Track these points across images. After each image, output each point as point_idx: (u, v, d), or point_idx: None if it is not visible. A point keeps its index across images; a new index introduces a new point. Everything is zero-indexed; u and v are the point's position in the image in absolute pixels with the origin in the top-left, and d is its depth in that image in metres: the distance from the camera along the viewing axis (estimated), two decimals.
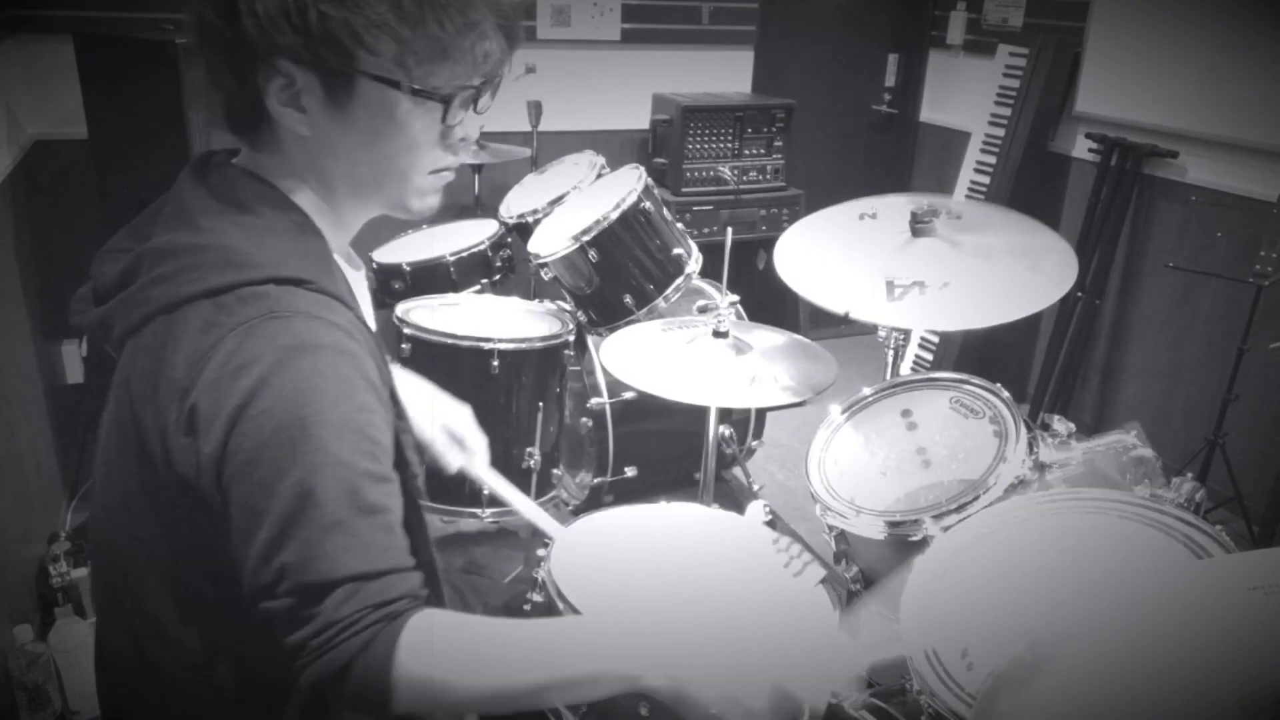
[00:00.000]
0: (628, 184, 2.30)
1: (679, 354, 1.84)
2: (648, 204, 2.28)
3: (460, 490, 2.19)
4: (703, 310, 2.40)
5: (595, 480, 2.51)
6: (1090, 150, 3.70)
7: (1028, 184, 3.85)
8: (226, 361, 0.85)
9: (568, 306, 2.43)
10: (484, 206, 3.39)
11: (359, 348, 0.91)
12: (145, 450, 0.91)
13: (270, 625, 0.84)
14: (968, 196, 4.01)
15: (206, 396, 0.85)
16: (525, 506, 1.54)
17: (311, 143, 0.95)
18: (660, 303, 2.31)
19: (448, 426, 1.48)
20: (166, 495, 0.92)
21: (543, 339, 2.23)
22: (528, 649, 0.89)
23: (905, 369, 3.68)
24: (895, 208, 1.88)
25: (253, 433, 0.84)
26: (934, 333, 4.05)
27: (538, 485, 2.28)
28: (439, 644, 0.85)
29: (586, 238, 2.23)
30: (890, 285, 1.65)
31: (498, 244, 2.72)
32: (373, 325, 1.17)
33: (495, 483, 1.52)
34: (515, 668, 0.87)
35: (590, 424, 2.48)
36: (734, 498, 2.84)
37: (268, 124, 0.95)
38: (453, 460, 1.47)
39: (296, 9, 0.87)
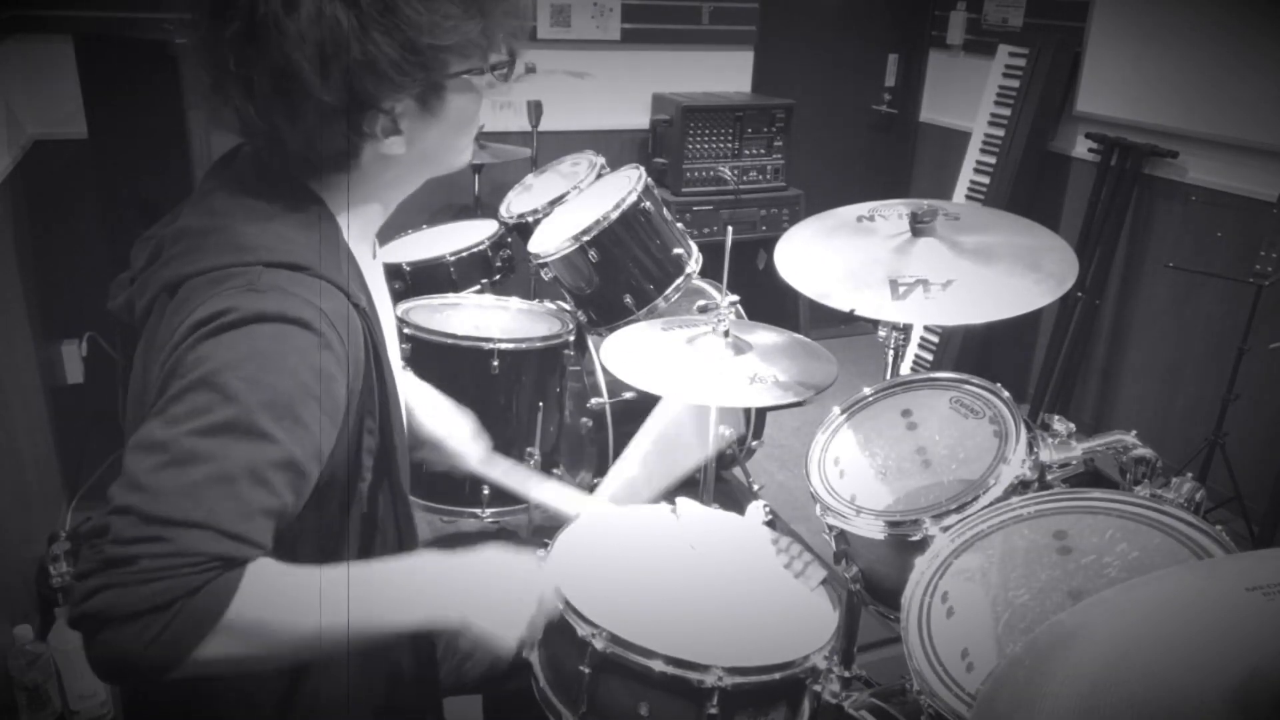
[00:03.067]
0: (628, 184, 2.30)
1: (679, 354, 1.84)
2: (648, 204, 2.28)
3: (460, 490, 2.19)
4: (703, 310, 2.40)
5: (595, 480, 2.51)
6: (1090, 150, 3.70)
7: (1028, 184, 3.85)
8: (200, 315, 0.87)
9: (568, 306, 2.43)
10: (484, 206, 3.38)
11: (333, 335, 0.91)
12: None
13: (93, 537, 0.81)
14: (968, 197, 4.01)
15: (165, 342, 0.89)
16: (547, 495, 1.54)
17: (399, 157, 0.99)
18: (660, 303, 2.31)
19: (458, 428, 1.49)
20: None
21: (543, 339, 2.23)
22: (343, 594, 0.91)
23: (905, 369, 3.68)
24: (892, 210, 1.89)
25: (189, 375, 0.85)
26: (934, 333, 4.05)
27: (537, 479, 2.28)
28: (269, 589, 0.86)
29: (586, 238, 2.22)
30: (894, 284, 1.65)
31: (498, 244, 2.72)
32: (389, 315, 1.18)
33: (510, 479, 1.51)
34: (332, 611, 0.89)
35: (590, 424, 2.48)
36: (734, 498, 2.84)
37: (358, 159, 0.99)
38: (471, 454, 1.47)
39: (412, 50, 0.91)
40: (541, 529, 2.23)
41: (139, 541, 0.79)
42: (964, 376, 1.63)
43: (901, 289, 1.64)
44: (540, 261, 2.31)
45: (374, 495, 1.07)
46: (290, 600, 0.88)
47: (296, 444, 0.87)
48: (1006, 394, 1.55)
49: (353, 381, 0.95)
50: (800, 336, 1.96)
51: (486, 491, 2.20)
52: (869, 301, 1.63)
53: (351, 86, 0.89)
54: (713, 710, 1.19)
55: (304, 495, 0.91)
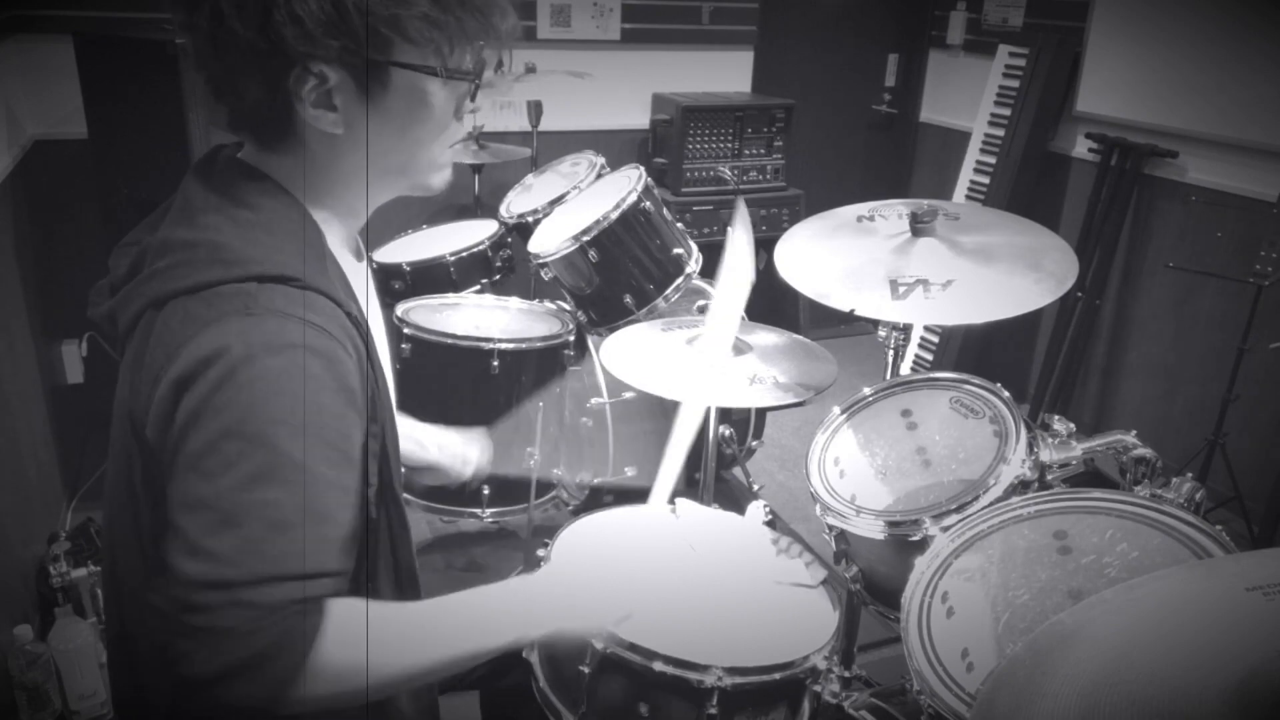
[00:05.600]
0: (628, 184, 2.30)
1: (679, 354, 1.84)
2: (648, 204, 2.28)
3: (460, 490, 2.19)
4: (703, 310, 2.40)
5: (595, 480, 2.51)
6: (1090, 150, 3.70)
7: (1028, 184, 3.85)
8: (196, 353, 0.86)
9: (568, 306, 2.43)
10: (484, 206, 3.39)
11: (338, 348, 0.91)
12: (139, 440, 0.93)
13: (167, 608, 0.83)
14: (968, 197, 4.01)
15: (175, 387, 0.86)
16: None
17: (342, 139, 0.96)
18: (660, 303, 2.31)
19: (444, 448, 1.48)
20: (153, 487, 0.93)
21: (543, 339, 2.23)
22: (434, 632, 0.97)
23: (905, 369, 3.68)
24: (892, 210, 1.89)
25: (211, 425, 0.84)
26: (934, 332, 4.05)
27: (538, 485, 2.28)
28: (357, 629, 0.88)
29: (586, 238, 2.22)
30: (894, 284, 1.65)
31: (498, 244, 2.72)
32: (376, 318, 1.17)
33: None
34: (425, 648, 0.95)
35: (590, 424, 2.48)
36: (734, 498, 2.84)
37: (291, 127, 0.95)
38: (472, 456, 1.48)
39: (339, 13, 0.88)
40: (541, 529, 2.23)
41: (213, 610, 0.82)
42: (964, 376, 1.63)
43: (901, 289, 1.64)
44: (540, 261, 2.31)
45: (375, 500, 1.06)
46: (381, 637, 0.90)
47: (334, 466, 0.88)
48: (1006, 394, 1.55)
49: (358, 390, 0.94)
50: (800, 337, 1.96)
51: (487, 491, 2.20)
52: (869, 301, 1.63)
53: (274, 30, 0.87)
54: (712, 710, 1.19)
55: (356, 505, 0.92)
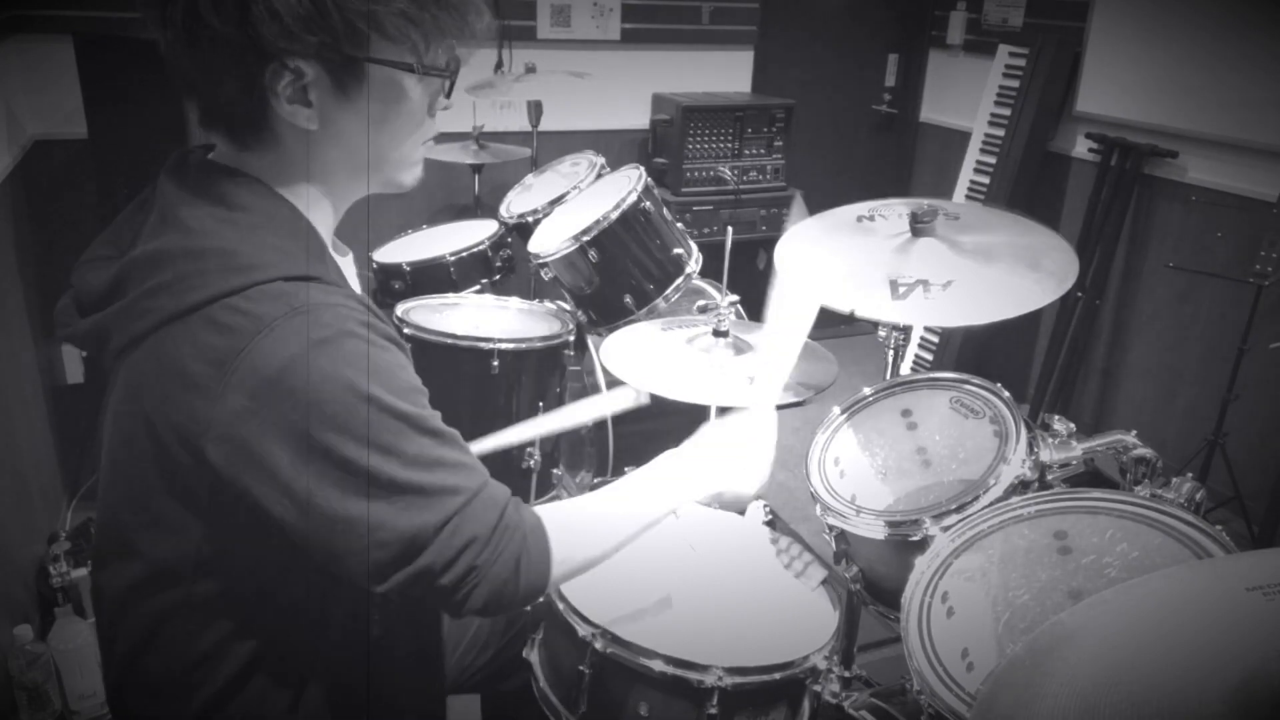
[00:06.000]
0: (628, 184, 2.30)
1: (679, 354, 1.84)
2: (648, 204, 2.28)
3: None
4: (703, 310, 2.40)
5: (595, 480, 2.51)
6: (1090, 150, 3.70)
7: (1028, 184, 3.85)
8: (263, 367, 0.85)
9: (568, 306, 2.43)
10: (484, 206, 3.38)
11: (383, 329, 0.94)
12: (167, 453, 0.91)
13: (414, 581, 0.91)
14: (968, 196, 4.01)
15: (247, 402, 0.85)
16: (574, 413, 1.66)
17: (317, 135, 0.95)
18: (660, 303, 2.31)
19: None
20: (198, 492, 0.93)
21: (543, 339, 2.23)
22: (624, 508, 1.12)
23: (905, 369, 3.68)
24: (892, 210, 1.88)
25: (321, 427, 0.85)
26: (934, 332, 4.05)
27: (538, 485, 2.28)
28: (571, 530, 1.04)
29: (586, 238, 2.22)
30: (894, 284, 1.64)
31: (498, 244, 2.71)
32: None
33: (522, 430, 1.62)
34: (622, 525, 1.10)
35: (590, 424, 2.48)
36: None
37: (267, 122, 0.94)
38: None
39: (318, 8, 0.87)
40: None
41: (463, 534, 0.92)
42: (964, 376, 1.63)
43: (901, 289, 1.64)
44: (540, 261, 2.31)
45: None
46: (592, 530, 1.08)
47: (427, 409, 0.96)
48: (1006, 394, 1.55)
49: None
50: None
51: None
52: (869, 302, 1.63)
53: (251, 26, 0.86)
54: (712, 710, 1.19)
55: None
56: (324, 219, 1.03)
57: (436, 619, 1.21)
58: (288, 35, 0.87)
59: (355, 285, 1.13)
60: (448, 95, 1.01)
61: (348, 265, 1.10)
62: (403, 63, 0.93)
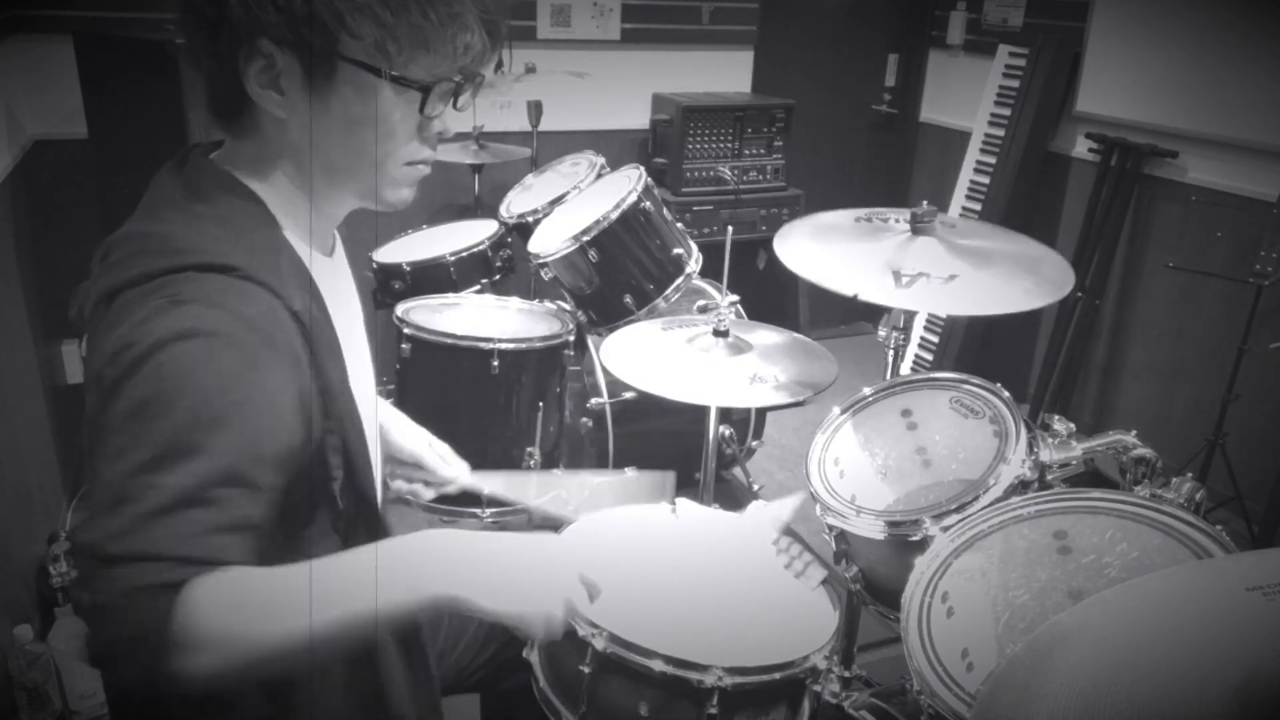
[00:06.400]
0: (628, 184, 2.30)
1: (679, 354, 1.84)
2: (648, 204, 2.28)
3: (460, 491, 2.19)
4: (703, 310, 2.40)
5: (595, 480, 2.51)
6: (1090, 150, 3.70)
7: (1027, 184, 3.85)
8: (119, 340, 0.87)
9: (568, 306, 2.43)
10: (484, 206, 3.38)
11: (261, 340, 0.90)
12: None
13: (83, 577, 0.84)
14: (968, 197, 4.01)
15: (98, 372, 0.88)
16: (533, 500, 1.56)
17: (289, 127, 0.97)
18: (660, 303, 2.31)
19: (433, 444, 1.48)
20: None
21: (543, 339, 2.23)
22: (318, 590, 0.86)
23: (905, 369, 3.68)
24: (891, 216, 1.89)
25: (117, 407, 0.85)
26: (934, 333, 4.05)
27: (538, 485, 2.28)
28: (239, 596, 0.84)
29: (586, 238, 2.23)
30: (897, 275, 1.64)
31: (498, 244, 2.72)
32: (355, 315, 1.17)
33: (495, 484, 1.53)
34: (304, 611, 0.86)
35: (590, 424, 2.48)
36: (734, 498, 2.84)
37: (248, 109, 0.97)
38: (445, 473, 1.47)
39: None
40: (541, 529, 2.22)
41: (96, 579, 0.81)
42: (964, 376, 1.63)
43: (905, 279, 1.64)
44: (540, 261, 2.31)
45: (322, 504, 1.04)
46: (267, 603, 0.86)
47: (234, 454, 0.86)
48: (1006, 394, 1.55)
49: (296, 385, 0.93)
50: (800, 336, 1.96)
51: (487, 491, 2.19)
52: (871, 288, 1.62)
53: (224, 3, 0.90)
54: (713, 710, 1.19)
55: (266, 500, 0.90)
56: (297, 215, 1.03)
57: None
58: (249, 12, 0.90)
59: (347, 288, 1.13)
60: (422, 110, 0.97)
61: (334, 267, 1.10)
62: (370, 65, 0.93)
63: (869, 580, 1.55)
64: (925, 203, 1.80)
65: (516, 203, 2.77)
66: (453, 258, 2.62)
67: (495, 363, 2.15)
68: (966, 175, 4.04)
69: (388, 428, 1.42)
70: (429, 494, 1.51)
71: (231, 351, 0.87)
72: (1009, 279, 1.65)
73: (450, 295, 2.52)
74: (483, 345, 2.15)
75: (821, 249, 1.79)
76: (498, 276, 2.73)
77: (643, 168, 2.36)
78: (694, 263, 2.36)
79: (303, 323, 0.95)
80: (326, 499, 1.03)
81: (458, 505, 2.21)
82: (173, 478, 0.83)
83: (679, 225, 2.43)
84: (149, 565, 0.82)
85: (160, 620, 0.81)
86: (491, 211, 2.87)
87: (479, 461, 1.55)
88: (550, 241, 2.31)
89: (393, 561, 0.91)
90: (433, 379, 2.22)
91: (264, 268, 0.94)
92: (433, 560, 0.93)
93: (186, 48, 0.96)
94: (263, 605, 0.85)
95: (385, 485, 1.35)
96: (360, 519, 1.08)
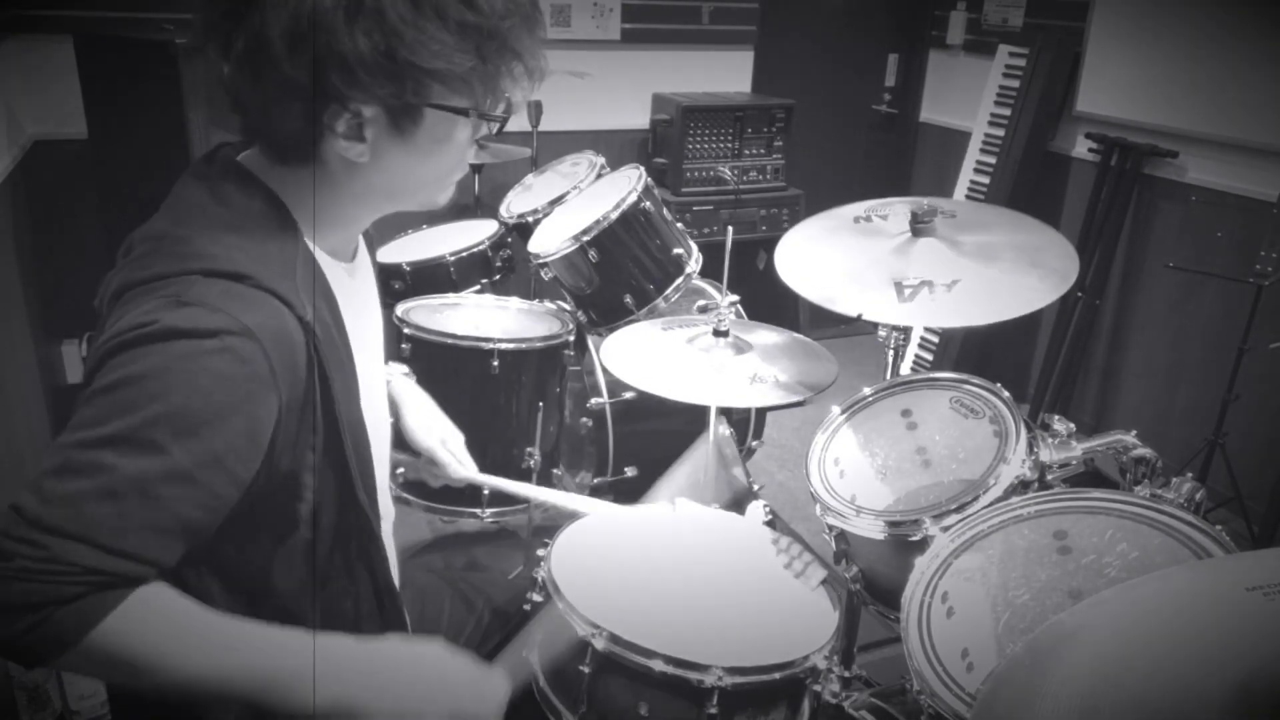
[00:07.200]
0: (628, 184, 2.30)
1: (679, 354, 1.84)
2: (648, 204, 2.28)
3: (460, 490, 2.19)
4: (703, 310, 2.40)
5: (595, 480, 2.51)
6: (1090, 150, 3.70)
7: (1028, 184, 3.85)
8: (122, 325, 0.88)
9: (568, 306, 2.43)
10: (484, 206, 3.39)
11: (257, 350, 0.89)
12: None
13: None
14: (968, 196, 4.01)
15: (96, 350, 0.89)
16: (550, 496, 1.58)
17: (365, 165, 0.98)
18: (660, 303, 2.31)
19: (447, 442, 1.49)
20: None
21: (543, 339, 2.23)
22: (222, 645, 0.90)
23: (905, 369, 3.68)
24: (891, 209, 1.89)
25: (100, 380, 0.86)
26: (934, 332, 4.05)
27: (538, 485, 2.28)
28: (149, 620, 0.86)
29: (586, 238, 2.22)
30: (899, 286, 1.64)
31: (498, 244, 2.71)
32: (374, 325, 1.17)
33: (503, 484, 1.53)
34: (207, 660, 0.89)
35: (590, 424, 2.47)
36: (734, 498, 2.83)
37: (318, 152, 0.97)
38: (455, 471, 1.48)
39: (390, 60, 0.89)
40: (542, 529, 2.23)
41: (20, 542, 0.81)
42: (964, 376, 1.63)
43: (907, 291, 1.64)
44: (540, 261, 2.31)
45: (322, 517, 1.04)
46: (172, 638, 0.88)
47: (193, 459, 0.86)
48: (1006, 394, 1.55)
49: (287, 398, 0.92)
50: (800, 336, 1.96)
51: (486, 492, 2.19)
52: (875, 305, 1.63)
53: (319, 72, 0.88)
54: (713, 710, 1.19)
55: (213, 509, 0.90)
56: (339, 229, 1.06)
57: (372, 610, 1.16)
58: (356, 84, 0.90)
59: (358, 291, 1.13)
60: (497, 134, 1.04)
61: (355, 271, 1.10)
62: (462, 109, 0.97)
63: (869, 580, 1.55)
64: (926, 202, 1.79)
65: (516, 203, 2.77)
66: (453, 258, 2.62)
67: (495, 363, 2.15)
68: (966, 175, 4.04)
69: (409, 412, 1.43)
70: (435, 485, 1.53)
71: (221, 358, 0.87)
72: (1013, 275, 1.65)
73: (450, 295, 2.52)
74: (483, 345, 2.15)
75: (822, 262, 1.79)
76: (498, 276, 2.73)
77: (643, 168, 2.36)
78: (694, 263, 2.36)
79: (312, 331, 0.95)
80: (298, 520, 1.02)
81: (457, 505, 2.22)
82: (124, 463, 0.83)
83: (679, 225, 2.43)
84: (84, 547, 0.82)
85: (87, 616, 0.83)
86: (491, 211, 2.87)
87: (479, 462, 1.55)
88: (550, 241, 2.31)
89: (301, 653, 0.92)
90: (432, 379, 2.21)
91: (276, 275, 0.93)
92: (338, 667, 0.93)
93: (261, 106, 0.94)
94: (172, 640, 0.88)
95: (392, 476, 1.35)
96: (353, 535, 1.08)
